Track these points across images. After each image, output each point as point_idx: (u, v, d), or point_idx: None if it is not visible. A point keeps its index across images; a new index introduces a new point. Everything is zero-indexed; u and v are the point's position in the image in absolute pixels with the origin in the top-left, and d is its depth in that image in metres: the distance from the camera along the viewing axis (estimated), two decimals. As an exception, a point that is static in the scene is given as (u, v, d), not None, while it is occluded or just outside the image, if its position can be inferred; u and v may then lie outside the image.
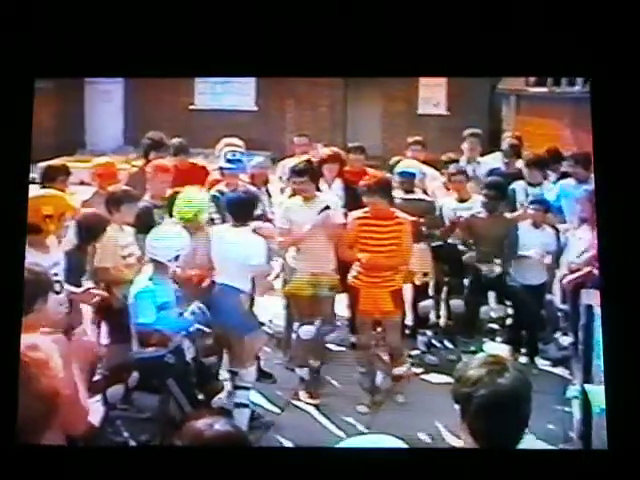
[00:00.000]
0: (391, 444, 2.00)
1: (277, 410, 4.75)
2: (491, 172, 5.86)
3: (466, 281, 5.30)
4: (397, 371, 4.86)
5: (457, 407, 1.97)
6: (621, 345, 2.50)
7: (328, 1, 2.88)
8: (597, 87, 2.69)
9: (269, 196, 5.53)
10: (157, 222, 4.72)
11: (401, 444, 2.00)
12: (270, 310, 5.29)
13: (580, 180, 5.51)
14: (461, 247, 5.30)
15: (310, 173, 5.06)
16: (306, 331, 4.86)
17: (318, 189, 5.18)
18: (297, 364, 4.95)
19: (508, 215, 5.40)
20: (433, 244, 5.25)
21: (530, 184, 5.62)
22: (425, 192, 5.51)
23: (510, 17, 2.76)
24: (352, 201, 5.18)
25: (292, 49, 2.88)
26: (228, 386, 4.54)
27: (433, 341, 5.37)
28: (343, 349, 5.35)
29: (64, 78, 2.96)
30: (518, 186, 5.67)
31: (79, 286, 4.50)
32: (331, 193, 5.31)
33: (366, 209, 4.86)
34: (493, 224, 5.29)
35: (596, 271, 4.85)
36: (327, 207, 4.98)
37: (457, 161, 5.78)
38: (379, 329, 5.01)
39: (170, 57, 2.83)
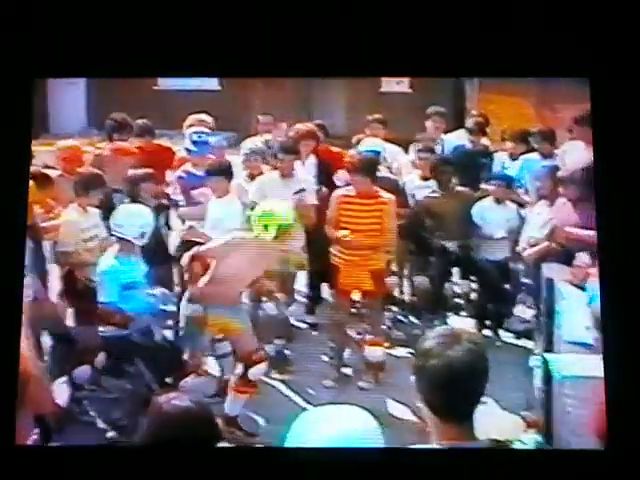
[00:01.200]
0: (357, 415, 2.04)
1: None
2: (456, 149, 5.93)
3: (430, 258, 5.37)
4: (371, 356, 4.87)
5: (413, 379, 2.02)
6: (621, 345, 2.53)
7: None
8: (596, 86, 2.71)
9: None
10: (116, 206, 4.71)
11: (367, 415, 2.04)
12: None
13: (545, 155, 5.63)
14: (423, 227, 5.36)
15: (295, 151, 5.17)
16: (272, 307, 4.92)
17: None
18: (265, 341, 4.95)
19: (459, 189, 5.46)
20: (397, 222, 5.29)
21: (543, 155, 5.66)
22: (389, 170, 5.57)
23: (509, 17, 2.77)
24: (325, 179, 5.26)
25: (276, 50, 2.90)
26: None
27: (399, 317, 5.44)
28: (309, 326, 5.43)
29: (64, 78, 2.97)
30: (498, 159, 5.80)
31: (44, 271, 4.51)
32: (306, 172, 5.35)
33: (350, 187, 4.91)
34: (449, 201, 5.36)
35: (555, 245, 5.01)
36: (302, 189, 5.04)
37: (434, 140, 5.84)
38: (354, 308, 5.11)
39: (172, 57, 2.85)
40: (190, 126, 5.47)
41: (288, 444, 2.00)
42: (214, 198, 4.96)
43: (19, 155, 2.77)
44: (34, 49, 2.79)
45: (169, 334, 4.59)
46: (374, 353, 4.87)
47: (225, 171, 4.98)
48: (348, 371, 4.95)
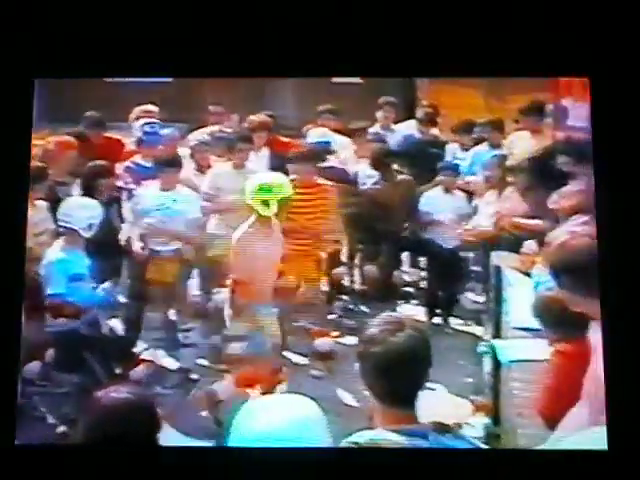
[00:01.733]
0: (300, 403, 2.05)
1: (196, 377, 4.75)
2: (405, 139, 5.98)
3: (379, 247, 5.41)
4: (320, 347, 4.91)
5: (357, 365, 2.07)
6: (621, 346, 2.54)
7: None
8: (596, 86, 2.71)
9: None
10: (62, 199, 4.66)
11: (310, 403, 2.05)
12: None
13: (493, 145, 5.71)
14: (372, 217, 5.40)
15: (252, 141, 5.23)
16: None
17: None
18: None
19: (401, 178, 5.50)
20: (345, 211, 5.31)
21: (492, 145, 5.73)
22: (338, 160, 5.59)
23: (509, 17, 2.77)
24: (278, 170, 5.17)
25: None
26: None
27: (349, 306, 5.47)
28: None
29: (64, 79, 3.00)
30: (450, 150, 5.85)
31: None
32: (258, 164, 5.35)
33: (293, 177, 4.90)
34: (393, 191, 5.40)
35: (506, 234, 5.09)
36: None
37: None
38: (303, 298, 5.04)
39: (172, 57, 2.85)
40: (137, 118, 5.43)
41: (232, 433, 1.99)
42: (155, 189, 4.94)
43: (19, 155, 2.77)
44: (34, 49, 2.79)
45: (118, 325, 4.57)
46: (322, 343, 4.91)
47: (174, 163, 4.96)
48: (301, 360, 4.96)
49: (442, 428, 2.07)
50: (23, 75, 2.78)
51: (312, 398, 2.06)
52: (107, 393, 2.11)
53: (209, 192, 5.05)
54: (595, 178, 2.64)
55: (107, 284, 4.34)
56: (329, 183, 4.96)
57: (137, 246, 4.85)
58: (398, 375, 2.01)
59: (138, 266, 4.86)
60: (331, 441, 2.03)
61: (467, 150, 5.86)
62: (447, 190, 5.45)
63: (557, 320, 2.99)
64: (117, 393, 2.09)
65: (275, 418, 1.96)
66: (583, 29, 2.71)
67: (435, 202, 5.45)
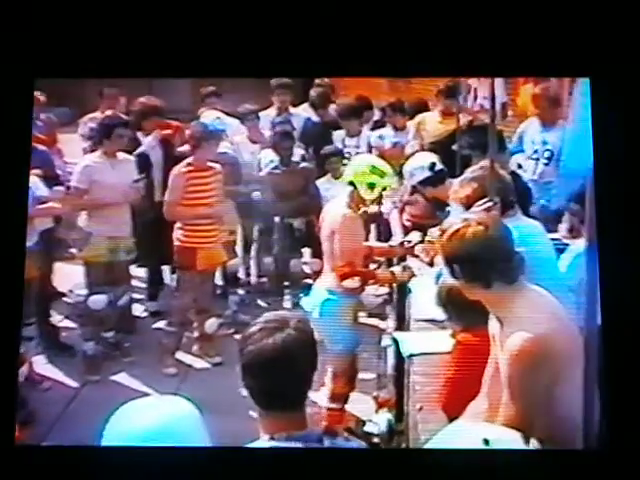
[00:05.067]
0: (174, 404, 1.99)
1: (77, 385, 4.54)
2: (306, 123, 5.77)
3: (275, 237, 5.27)
4: (208, 328, 4.83)
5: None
6: (622, 347, 2.54)
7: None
8: (596, 86, 2.70)
9: (61, 156, 5.31)
10: None
11: (187, 404, 1.98)
12: (70, 279, 5.04)
13: (397, 128, 5.62)
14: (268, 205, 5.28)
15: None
16: (96, 301, 4.69)
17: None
18: (85, 337, 4.75)
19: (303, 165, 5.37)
20: (238, 200, 5.18)
21: (349, 135, 5.61)
22: (230, 146, 5.36)
23: (509, 16, 2.75)
24: (168, 157, 5.12)
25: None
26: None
27: (246, 300, 5.30)
28: (151, 314, 5.25)
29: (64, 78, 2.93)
30: (337, 136, 5.66)
31: None
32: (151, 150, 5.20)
33: (189, 160, 4.80)
34: (291, 177, 5.25)
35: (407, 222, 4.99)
36: (142, 178, 4.97)
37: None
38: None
39: (173, 57, 2.82)
40: None
41: (105, 437, 1.95)
42: None
43: (19, 156, 2.75)
44: (34, 49, 2.80)
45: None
46: (210, 324, 4.83)
47: None
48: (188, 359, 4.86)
49: (332, 432, 2.03)
50: (24, 75, 2.77)
51: (188, 398, 2.00)
52: None
53: (79, 186, 4.78)
54: (595, 178, 2.60)
55: None
56: (216, 165, 4.86)
57: None
58: (274, 377, 1.91)
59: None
60: (207, 440, 1.98)
61: (353, 137, 5.61)
62: (336, 177, 5.19)
63: (460, 310, 2.96)
64: None
65: (144, 419, 1.91)
66: (583, 29, 2.73)
67: (330, 188, 5.17)
